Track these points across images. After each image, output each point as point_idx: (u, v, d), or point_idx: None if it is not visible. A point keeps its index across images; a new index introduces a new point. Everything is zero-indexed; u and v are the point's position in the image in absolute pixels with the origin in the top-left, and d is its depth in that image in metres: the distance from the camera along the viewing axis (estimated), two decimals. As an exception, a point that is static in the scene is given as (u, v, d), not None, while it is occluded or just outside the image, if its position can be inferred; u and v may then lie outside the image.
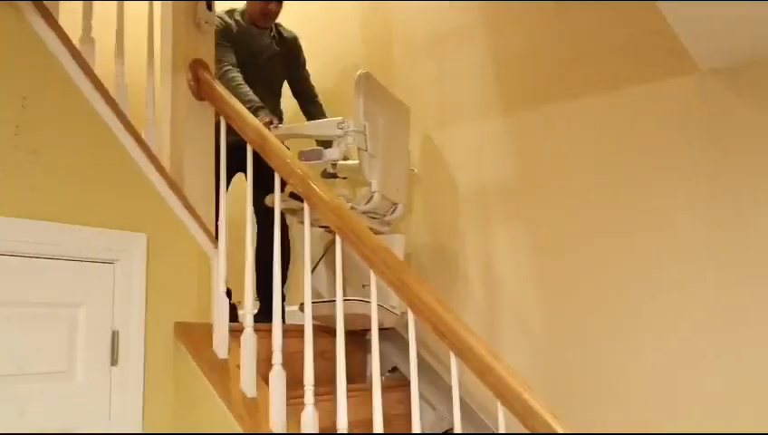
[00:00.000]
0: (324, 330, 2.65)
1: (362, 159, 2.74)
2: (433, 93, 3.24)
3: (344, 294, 2.93)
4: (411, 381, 1.89)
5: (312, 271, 3.03)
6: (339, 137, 2.69)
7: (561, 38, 2.88)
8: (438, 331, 1.83)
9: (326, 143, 2.89)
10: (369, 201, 2.77)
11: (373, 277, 2.00)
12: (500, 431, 1.74)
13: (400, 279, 1.93)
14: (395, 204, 2.92)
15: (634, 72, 2.69)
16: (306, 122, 2.74)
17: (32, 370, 1.89)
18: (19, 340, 1.88)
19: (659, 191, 2.59)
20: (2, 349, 1.84)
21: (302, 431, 2.02)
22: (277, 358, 2.13)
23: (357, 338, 2.99)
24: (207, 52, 2.58)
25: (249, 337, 2.20)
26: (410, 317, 1.91)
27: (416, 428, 1.86)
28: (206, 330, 2.28)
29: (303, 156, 2.67)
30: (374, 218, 2.91)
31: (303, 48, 3.39)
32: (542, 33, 2.93)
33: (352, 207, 2.72)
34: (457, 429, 1.81)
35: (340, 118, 2.69)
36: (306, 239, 2.16)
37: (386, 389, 2.78)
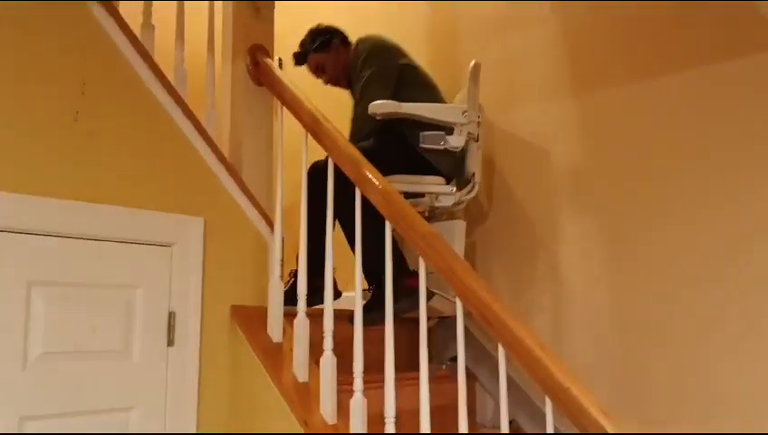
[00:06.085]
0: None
1: (471, 148, 2.74)
2: (500, 75, 3.13)
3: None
4: (458, 369, 1.85)
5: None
6: (462, 125, 2.65)
7: (637, 12, 2.69)
8: (486, 320, 1.77)
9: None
10: (470, 191, 2.79)
11: (422, 263, 1.95)
12: (548, 428, 1.66)
13: (449, 266, 1.88)
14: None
15: (718, 46, 2.46)
16: (429, 104, 2.73)
17: (88, 348, 1.95)
18: (76, 319, 1.94)
19: (745, 178, 2.36)
20: (59, 327, 1.91)
21: (351, 417, 2.00)
22: (328, 344, 2.11)
23: (418, 326, 2.94)
24: (266, 37, 2.59)
25: (301, 322, 2.20)
26: (458, 304, 1.86)
27: (462, 416, 1.81)
28: (262, 313, 2.30)
29: (425, 139, 2.65)
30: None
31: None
32: (616, 7, 2.76)
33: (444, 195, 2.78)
34: (503, 421, 1.75)
35: (464, 105, 2.67)
36: (357, 225, 2.13)
37: (445, 379, 2.74)
